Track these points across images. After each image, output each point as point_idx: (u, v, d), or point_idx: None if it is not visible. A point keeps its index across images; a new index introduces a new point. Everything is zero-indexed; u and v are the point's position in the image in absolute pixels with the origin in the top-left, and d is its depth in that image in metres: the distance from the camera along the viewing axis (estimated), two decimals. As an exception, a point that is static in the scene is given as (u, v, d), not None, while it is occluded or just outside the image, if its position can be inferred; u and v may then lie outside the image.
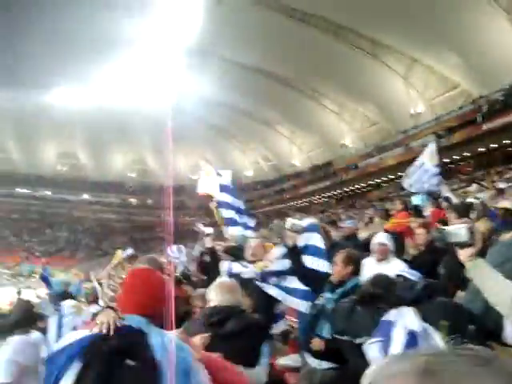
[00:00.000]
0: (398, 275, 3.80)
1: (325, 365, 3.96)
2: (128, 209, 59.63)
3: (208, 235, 6.38)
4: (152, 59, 36.69)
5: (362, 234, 8.61)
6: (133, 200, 60.03)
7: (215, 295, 3.14)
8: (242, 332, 2.89)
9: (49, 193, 59.35)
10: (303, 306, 4.21)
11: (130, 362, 1.88)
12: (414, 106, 32.23)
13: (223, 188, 6.47)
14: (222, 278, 4.14)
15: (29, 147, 56.97)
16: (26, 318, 4.15)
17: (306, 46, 31.09)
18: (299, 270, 4.36)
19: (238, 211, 6.43)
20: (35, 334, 4.19)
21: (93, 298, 7.02)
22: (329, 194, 40.17)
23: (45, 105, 47.84)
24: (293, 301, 4.26)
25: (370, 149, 36.58)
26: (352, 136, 39.65)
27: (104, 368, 1.85)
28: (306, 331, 4.17)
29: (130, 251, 6.59)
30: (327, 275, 4.22)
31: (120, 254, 6.84)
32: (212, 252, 6.23)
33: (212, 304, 3.12)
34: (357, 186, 37.55)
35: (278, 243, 6.81)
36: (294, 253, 4.46)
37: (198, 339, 2.57)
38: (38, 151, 58.34)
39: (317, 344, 3.96)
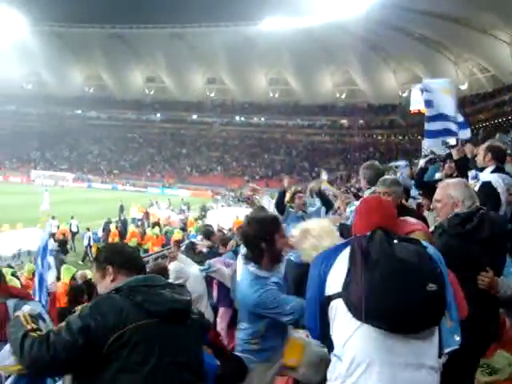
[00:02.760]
0: None
1: None
2: (339, 130, 60.72)
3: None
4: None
5: None
6: (343, 121, 60.78)
7: (469, 198, 2.85)
8: (495, 237, 2.71)
9: (263, 119, 63.82)
10: None
11: None
12: None
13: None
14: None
15: (242, 77, 61.47)
16: None
17: None
18: None
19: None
20: None
21: None
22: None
23: (252, 35, 50.71)
24: None
25: None
26: None
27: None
28: None
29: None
30: None
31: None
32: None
33: (465, 209, 2.81)
34: None
35: None
36: None
37: None
38: (250, 80, 62.58)
39: None
